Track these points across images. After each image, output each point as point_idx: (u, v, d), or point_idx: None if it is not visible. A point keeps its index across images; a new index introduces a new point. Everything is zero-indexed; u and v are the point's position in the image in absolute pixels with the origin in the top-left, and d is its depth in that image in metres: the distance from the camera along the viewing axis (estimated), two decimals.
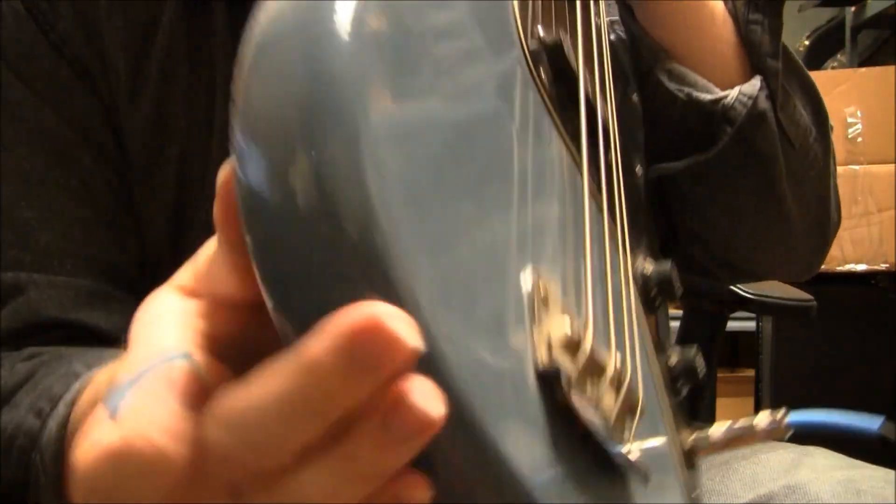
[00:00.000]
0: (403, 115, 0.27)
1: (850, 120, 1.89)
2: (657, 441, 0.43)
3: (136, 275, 0.55)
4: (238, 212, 0.25)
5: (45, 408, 0.42)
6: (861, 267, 1.85)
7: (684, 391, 0.49)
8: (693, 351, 0.49)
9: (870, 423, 0.41)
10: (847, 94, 1.90)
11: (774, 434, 0.45)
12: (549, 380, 0.31)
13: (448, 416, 0.25)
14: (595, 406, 0.33)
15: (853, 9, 2.30)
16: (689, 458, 0.47)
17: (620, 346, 0.37)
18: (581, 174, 0.40)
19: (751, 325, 1.80)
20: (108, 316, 0.51)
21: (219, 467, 0.24)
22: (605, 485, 0.34)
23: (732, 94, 0.60)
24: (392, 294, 0.24)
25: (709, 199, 0.65)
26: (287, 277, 0.25)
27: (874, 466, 0.56)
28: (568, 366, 0.32)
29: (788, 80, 0.63)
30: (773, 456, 0.58)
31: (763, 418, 0.45)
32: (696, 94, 0.60)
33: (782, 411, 0.45)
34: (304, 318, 0.25)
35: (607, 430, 0.33)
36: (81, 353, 0.46)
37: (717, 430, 0.47)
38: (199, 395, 0.24)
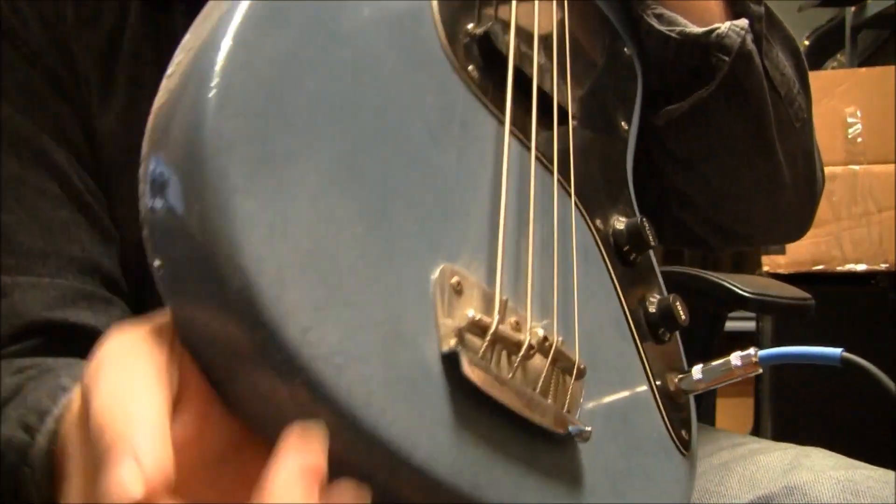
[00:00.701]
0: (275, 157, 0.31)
1: (850, 120, 1.89)
2: (629, 389, 0.47)
3: (120, 274, 0.55)
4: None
5: (34, 423, 0.42)
6: (861, 267, 1.85)
7: (668, 337, 0.51)
8: (671, 298, 0.51)
9: (832, 352, 0.43)
10: (847, 94, 1.90)
11: (749, 369, 0.49)
12: (452, 362, 0.33)
13: (340, 425, 0.29)
14: (512, 377, 0.36)
15: (853, 9, 2.29)
16: (676, 399, 0.50)
17: (547, 315, 0.40)
18: (530, 153, 0.43)
19: (751, 325, 1.80)
20: (94, 314, 0.51)
21: None
22: (539, 449, 0.37)
23: (724, 25, 0.60)
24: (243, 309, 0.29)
25: (704, 155, 0.65)
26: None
27: (873, 467, 0.56)
28: (474, 345, 0.35)
29: (770, 32, 0.64)
30: (771, 457, 0.58)
31: (735, 357, 0.49)
32: (688, 29, 0.60)
33: (752, 349, 0.49)
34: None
35: (528, 396, 0.36)
36: (68, 366, 0.46)
37: (696, 371, 0.50)
38: None
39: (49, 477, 0.41)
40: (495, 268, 0.37)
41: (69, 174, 0.54)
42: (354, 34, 0.35)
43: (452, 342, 0.34)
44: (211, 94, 0.30)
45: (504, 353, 0.36)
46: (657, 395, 0.48)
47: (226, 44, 0.31)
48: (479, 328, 0.35)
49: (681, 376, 0.50)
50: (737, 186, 0.67)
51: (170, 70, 0.33)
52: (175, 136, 0.31)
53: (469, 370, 0.34)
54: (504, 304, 0.37)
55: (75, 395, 0.41)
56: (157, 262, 0.31)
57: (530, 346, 0.37)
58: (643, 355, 0.48)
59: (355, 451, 0.30)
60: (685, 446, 0.49)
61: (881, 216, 1.86)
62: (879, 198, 1.87)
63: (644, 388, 0.48)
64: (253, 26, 0.32)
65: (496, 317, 0.36)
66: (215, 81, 0.30)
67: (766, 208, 0.69)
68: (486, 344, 0.35)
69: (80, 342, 0.50)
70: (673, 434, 0.48)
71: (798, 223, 0.74)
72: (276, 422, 0.30)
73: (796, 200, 0.70)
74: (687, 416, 0.50)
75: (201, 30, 0.32)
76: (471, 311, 0.35)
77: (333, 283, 0.31)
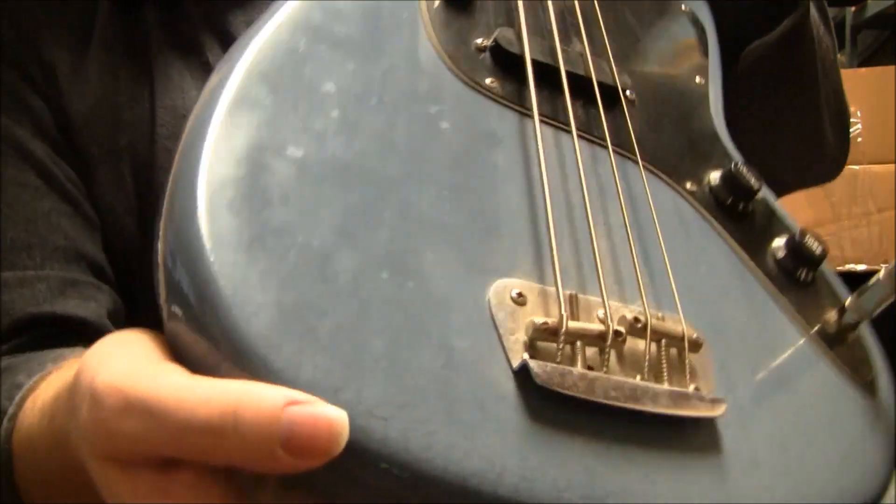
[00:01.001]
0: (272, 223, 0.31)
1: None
2: (778, 346, 0.43)
3: (106, 261, 0.55)
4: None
5: None
6: (861, 267, 1.85)
7: (811, 278, 0.47)
8: (798, 234, 0.47)
9: None
10: (847, 94, 1.90)
11: None
12: (526, 375, 0.32)
13: (406, 477, 0.28)
14: (606, 370, 0.34)
15: (853, 9, 2.30)
16: (843, 337, 0.45)
17: (638, 296, 0.37)
18: (573, 139, 0.41)
19: None
20: (83, 303, 0.51)
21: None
22: (671, 437, 0.34)
23: None
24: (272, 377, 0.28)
25: (760, 101, 0.64)
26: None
27: None
28: (551, 351, 0.33)
29: None
30: None
31: (889, 266, 0.44)
32: None
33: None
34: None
35: (631, 386, 0.34)
36: (26, 362, 0.46)
37: (852, 299, 0.45)
38: None
39: (9, 472, 0.42)
40: (555, 266, 0.35)
41: (48, 165, 0.54)
42: (340, 92, 0.35)
43: (523, 355, 0.32)
44: (195, 193, 0.31)
45: (593, 349, 0.34)
46: (819, 342, 0.44)
47: (207, 142, 0.32)
48: (549, 332, 0.33)
49: (842, 310, 0.45)
50: (779, 132, 0.66)
51: (182, 133, 0.33)
52: (175, 220, 0.31)
53: (544, 377, 0.31)
54: (572, 299, 0.35)
55: (41, 391, 0.42)
56: (175, 310, 0.30)
57: (616, 333, 0.34)
58: (788, 305, 0.45)
59: (430, 499, 0.28)
60: (870, 387, 0.44)
61: (881, 216, 1.86)
62: (879, 198, 1.87)
63: (799, 339, 0.44)
64: (230, 115, 0.33)
65: (563, 314, 0.34)
66: (199, 183, 0.31)
67: (808, 149, 0.69)
68: (560, 345, 0.33)
69: (70, 333, 0.50)
70: (851, 377, 0.44)
71: (833, 161, 0.73)
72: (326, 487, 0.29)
73: (831, 136, 0.70)
74: (863, 352, 0.45)
75: (196, 112, 0.33)
76: (535, 318, 0.33)
77: (362, 337, 0.30)
